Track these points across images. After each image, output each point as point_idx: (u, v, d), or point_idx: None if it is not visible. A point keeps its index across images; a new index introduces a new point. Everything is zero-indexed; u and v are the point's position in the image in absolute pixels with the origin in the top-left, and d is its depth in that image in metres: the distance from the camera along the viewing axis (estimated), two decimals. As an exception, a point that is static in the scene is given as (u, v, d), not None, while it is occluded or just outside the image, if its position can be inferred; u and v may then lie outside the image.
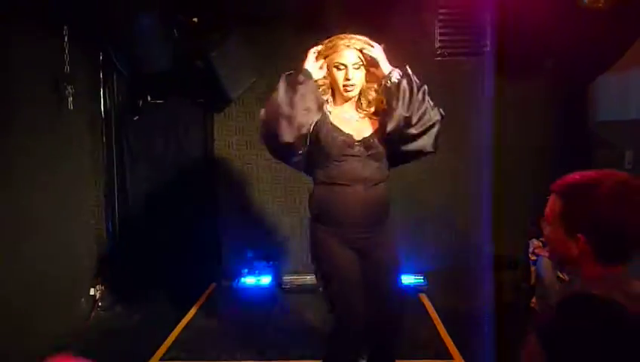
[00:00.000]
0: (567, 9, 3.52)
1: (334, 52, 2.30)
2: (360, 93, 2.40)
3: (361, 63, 2.32)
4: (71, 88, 3.70)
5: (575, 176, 1.27)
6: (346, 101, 2.41)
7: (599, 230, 1.20)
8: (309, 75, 2.30)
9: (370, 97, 2.39)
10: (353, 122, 2.39)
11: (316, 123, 2.33)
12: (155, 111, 4.33)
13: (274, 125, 2.27)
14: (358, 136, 2.34)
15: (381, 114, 2.39)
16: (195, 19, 3.85)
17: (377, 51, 2.31)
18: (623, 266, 1.22)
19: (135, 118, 4.32)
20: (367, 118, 2.42)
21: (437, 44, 4.31)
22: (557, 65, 4.33)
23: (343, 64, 2.30)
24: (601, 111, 3.95)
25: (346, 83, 2.32)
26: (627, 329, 1.14)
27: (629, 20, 3.61)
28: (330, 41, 2.33)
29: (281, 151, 2.38)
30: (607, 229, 1.20)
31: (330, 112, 2.39)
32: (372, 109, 2.41)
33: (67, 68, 3.70)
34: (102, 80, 4.16)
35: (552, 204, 1.30)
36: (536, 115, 4.42)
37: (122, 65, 3.86)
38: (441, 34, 4.32)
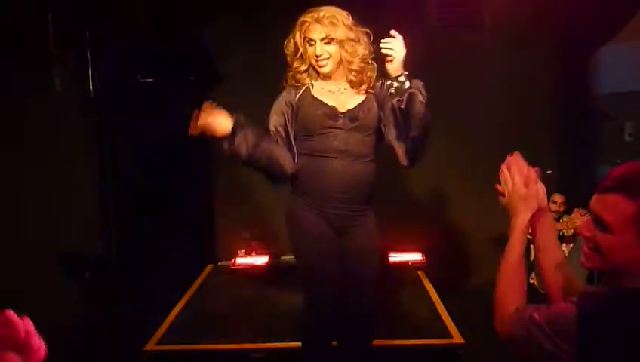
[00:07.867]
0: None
1: (304, 27, 2.21)
2: (347, 67, 2.26)
3: (332, 37, 2.19)
4: (58, 69, 3.60)
5: (635, 168, 1.07)
6: (330, 75, 2.29)
7: None
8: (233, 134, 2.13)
9: (356, 71, 2.25)
10: (338, 94, 2.29)
11: (298, 98, 2.28)
12: (145, 90, 4.23)
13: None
14: (342, 108, 2.25)
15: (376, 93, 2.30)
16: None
17: (398, 45, 2.14)
18: None
19: (125, 97, 4.21)
20: (355, 90, 2.30)
21: (434, 16, 4.20)
22: (558, 37, 4.24)
23: (311, 39, 2.21)
24: (605, 84, 3.87)
25: (316, 59, 2.23)
26: None
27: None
28: (302, 18, 2.23)
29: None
30: None
31: (313, 86, 2.30)
32: (363, 86, 2.29)
33: (53, 47, 3.59)
34: (89, 59, 4.03)
35: (618, 205, 1.07)
36: (537, 89, 4.33)
37: (110, 44, 3.74)
38: (438, 5, 4.21)
